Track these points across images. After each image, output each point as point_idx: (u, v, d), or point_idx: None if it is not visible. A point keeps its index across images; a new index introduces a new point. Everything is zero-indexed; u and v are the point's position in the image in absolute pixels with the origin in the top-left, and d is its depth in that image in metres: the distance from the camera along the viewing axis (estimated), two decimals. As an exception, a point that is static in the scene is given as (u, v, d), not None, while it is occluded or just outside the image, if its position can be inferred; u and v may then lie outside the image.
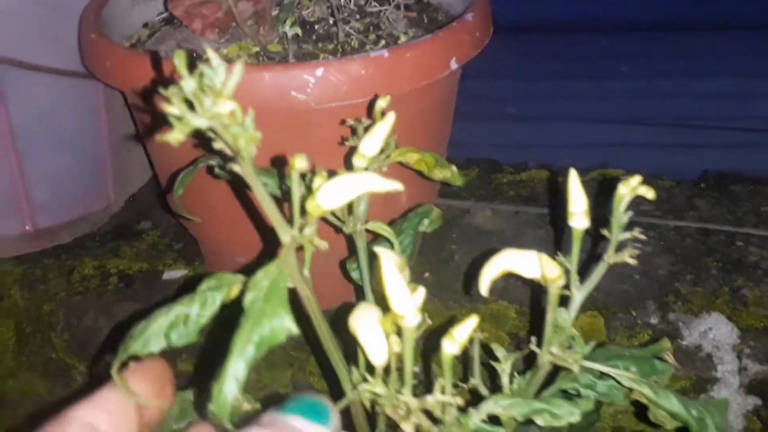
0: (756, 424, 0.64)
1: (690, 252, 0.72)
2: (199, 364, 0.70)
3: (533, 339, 0.41)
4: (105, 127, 0.73)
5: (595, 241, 0.66)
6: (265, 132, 0.47)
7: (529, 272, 0.38)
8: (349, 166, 0.42)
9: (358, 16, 0.62)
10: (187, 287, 0.39)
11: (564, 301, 0.41)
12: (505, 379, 0.44)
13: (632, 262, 0.39)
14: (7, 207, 0.72)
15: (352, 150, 0.42)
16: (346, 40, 0.59)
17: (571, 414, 0.38)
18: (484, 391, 0.44)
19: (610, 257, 0.40)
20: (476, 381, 0.43)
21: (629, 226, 0.76)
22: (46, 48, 0.66)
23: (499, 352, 0.44)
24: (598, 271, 0.40)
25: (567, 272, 0.41)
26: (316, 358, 0.68)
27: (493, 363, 0.44)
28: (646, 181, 0.87)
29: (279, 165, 0.49)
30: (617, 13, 1.82)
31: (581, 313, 0.66)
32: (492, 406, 0.38)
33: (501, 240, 0.75)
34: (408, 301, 0.32)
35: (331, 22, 0.60)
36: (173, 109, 0.26)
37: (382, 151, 0.46)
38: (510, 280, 0.68)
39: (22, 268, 0.76)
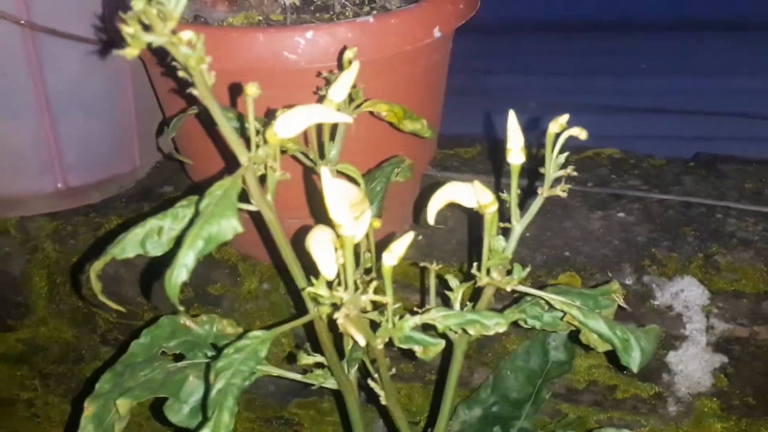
0: (723, 380, 0.66)
1: (670, 222, 0.74)
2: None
3: (475, 265, 0.44)
4: (131, 95, 0.78)
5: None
6: (261, 90, 0.51)
7: (469, 202, 0.41)
8: None
9: (354, -10, 0.65)
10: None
11: (507, 231, 0.44)
12: (456, 306, 0.47)
13: (563, 195, 0.42)
14: (41, 166, 0.77)
15: (322, 99, 0.46)
16: (341, 11, 0.63)
17: (499, 324, 0.41)
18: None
19: (544, 191, 0.42)
20: (432, 305, 0.46)
21: (616, 199, 0.79)
22: (78, 19, 0.70)
23: (452, 281, 0.47)
24: (535, 204, 0.43)
25: (509, 208, 0.44)
26: (285, 283, 0.71)
27: (446, 292, 0.47)
28: (636, 161, 0.89)
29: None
30: (639, 12, 1.83)
31: (560, 273, 0.69)
32: (429, 316, 0.41)
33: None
34: (345, 212, 0.35)
35: (329, -6, 0.64)
36: (128, 28, 0.30)
37: (353, 100, 0.50)
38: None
39: (55, 224, 0.81)
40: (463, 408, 0.66)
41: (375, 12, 0.63)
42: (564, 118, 0.41)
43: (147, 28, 0.31)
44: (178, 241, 0.34)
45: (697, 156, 0.88)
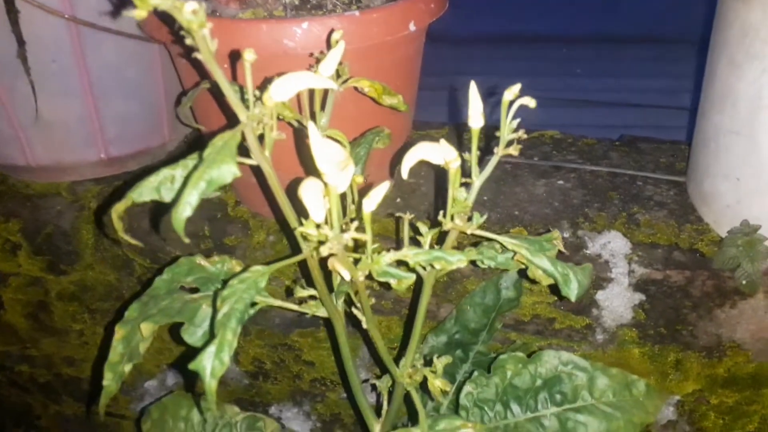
0: (641, 315, 0.64)
1: (600, 188, 0.72)
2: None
3: (441, 213, 0.42)
4: (161, 80, 0.75)
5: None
6: (264, 72, 0.49)
7: (437, 159, 0.39)
8: None
9: (344, -8, 0.62)
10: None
11: (467, 185, 0.42)
12: (426, 248, 0.44)
13: (515, 153, 0.40)
14: (86, 139, 0.73)
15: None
16: (333, 9, 0.59)
17: (460, 260, 0.39)
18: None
19: (499, 150, 0.40)
20: (406, 250, 0.44)
21: (557, 170, 0.76)
22: (116, 13, 0.67)
23: (422, 228, 0.45)
24: (492, 161, 0.41)
25: (470, 166, 0.42)
26: (284, 232, 0.69)
27: (417, 237, 0.45)
28: (573, 140, 0.87)
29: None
30: (576, 29, 1.81)
31: (510, 228, 0.67)
32: (402, 252, 0.39)
33: (457, 177, 0.76)
34: (330, 163, 0.33)
35: (323, -5, 0.61)
36: None
37: (339, 76, 0.47)
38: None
39: (99, 187, 0.78)
40: (432, 336, 0.64)
41: (359, 9, 0.60)
42: (516, 87, 0.38)
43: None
44: (184, 183, 0.32)
45: (622, 137, 0.86)
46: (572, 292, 0.43)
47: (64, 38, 0.66)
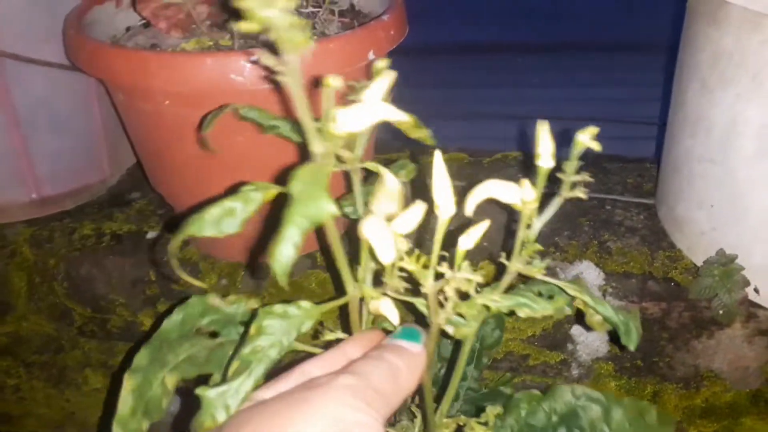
0: (616, 348, 0.62)
1: (568, 213, 0.69)
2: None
3: (503, 254, 0.39)
4: (98, 111, 0.69)
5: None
6: (207, 109, 0.43)
7: (509, 198, 0.36)
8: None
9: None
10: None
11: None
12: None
13: (584, 197, 0.38)
14: (15, 179, 0.67)
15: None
16: (284, 37, 0.55)
17: (545, 309, 0.36)
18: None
19: (564, 193, 0.38)
20: (491, 293, 0.40)
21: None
22: (41, 44, 0.61)
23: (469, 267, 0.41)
24: (555, 203, 0.38)
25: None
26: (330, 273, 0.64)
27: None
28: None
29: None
30: (530, 36, 1.81)
31: (480, 261, 0.63)
32: (489, 296, 0.35)
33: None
34: (447, 196, 0.31)
35: (273, 22, 0.56)
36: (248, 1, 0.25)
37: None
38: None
39: (32, 229, 0.71)
40: None
41: (315, 38, 0.56)
42: (594, 130, 0.36)
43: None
44: (245, 223, 0.31)
45: (586, 155, 0.84)
46: (633, 341, 0.41)
47: (-16, 70, 0.60)
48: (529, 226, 0.37)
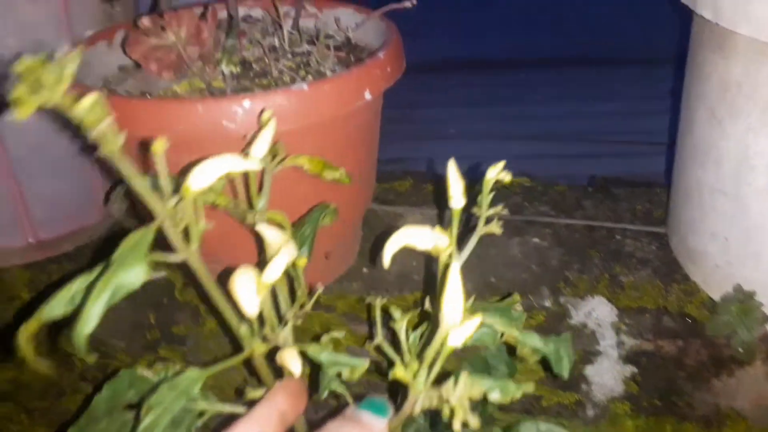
0: (633, 387, 0.59)
1: (578, 245, 0.67)
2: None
3: (426, 300, 0.37)
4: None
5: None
6: (206, 154, 0.42)
7: (423, 245, 0.34)
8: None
9: (290, 56, 0.56)
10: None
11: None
12: (402, 336, 0.39)
13: (498, 231, 0.36)
14: (11, 223, 0.65)
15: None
16: (279, 77, 0.53)
17: (516, 392, 0.33)
18: (386, 348, 0.39)
19: (480, 229, 0.37)
20: (379, 339, 0.39)
21: (530, 225, 0.71)
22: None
23: (396, 313, 0.39)
24: (473, 240, 0.37)
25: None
26: (219, 324, 0.63)
27: (391, 324, 0.39)
28: (543, 188, 0.82)
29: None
30: (532, 52, 1.79)
31: (489, 298, 0.61)
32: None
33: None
34: (457, 308, 0.29)
35: (267, 61, 0.55)
36: (17, 91, 0.22)
37: (274, 157, 0.42)
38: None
39: (30, 273, 0.70)
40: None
41: (310, 76, 0.54)
42: (500, 165, 0.37)
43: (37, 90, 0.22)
44: (87, 292, 0.27)
45: (593, 179, 0.82)
46: (565, 369, 0.40)
47: (-25, 118, 0.59)
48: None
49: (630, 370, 0.58)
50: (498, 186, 0.82)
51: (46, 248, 0.69)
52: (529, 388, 0.34)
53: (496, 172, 0.38)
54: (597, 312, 0.59)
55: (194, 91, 0.52)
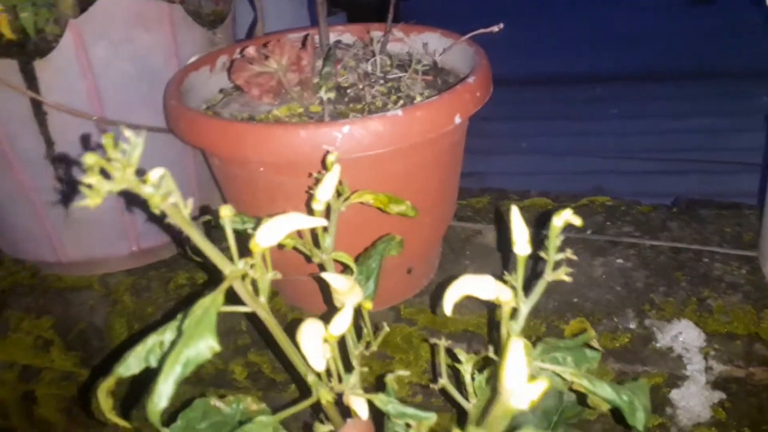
0: (721, 413, 0.58)
1: (663, 267, 0.66)
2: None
3: (491, 347, 0.38)
4: (193, 171, 0.72)
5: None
6: (303, 177, 0.45)
7: (486, 295, 0.35)
8: (309, 211, 0.40)
9: (382, 81, 0.58)
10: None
11: (514, 312, 0.38)
12: (467, 377, 0.40)
13: (568, 279, 0.36)
14: (117, 234, 0.71)
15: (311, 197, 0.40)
16: (372, 101, 0.56)
17: None
18: (450, 388, 0.40)
19: (548, 275, 0.36)
20: (444, 381, 0.40)
21: (613, 245, 0.71)
22: (143, 111, 0.65)
23: (461, 355, 0.41)
24: (540, 286, 0.37)
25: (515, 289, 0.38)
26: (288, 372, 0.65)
27: (457, 365, 0.41)
28: (626, 207, 0.81)
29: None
30: (609, 66, 1.75)
31: (571, 318, 0.61)
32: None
33: (505, 256, 0.71)
34: (521, 382, 0.27)
35: (360, 86, 0.57)
36: (89, 179, 0.24)
37: (340, 194, 0.44)
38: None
39: (132, 278, 0.75)
40: None
41: (401, 101, 0.56)
42: (568, 213, 0.35)
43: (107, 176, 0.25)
44: (159, 368, 0.29)
45: (677, 201, 0.81)
46: (639, 422, 0.39)
47: (93, 136, 0.64)
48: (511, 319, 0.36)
49: (718, 396, 0.57)
50: (578, 204, 0.82)
51: (147, 255, 0.75)
52: None
53: (563, 221, 0.36)
54: (684, 336, 0.58)
55: (293, 116, 0.55)
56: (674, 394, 0.58)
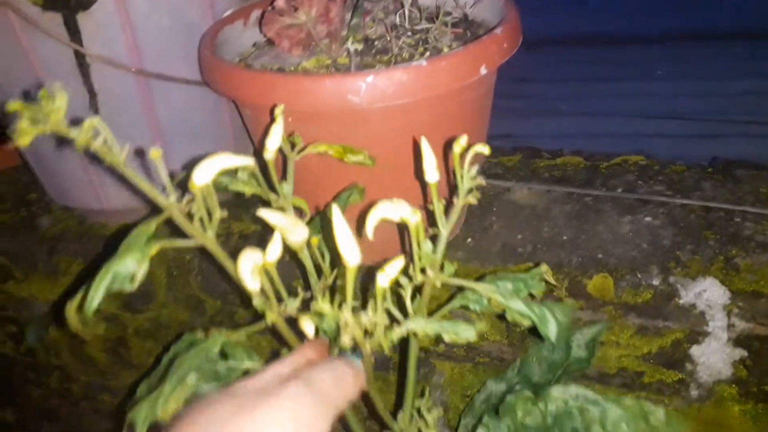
0: (742, 371, 0.59)
1: (692, 226, 0.66)
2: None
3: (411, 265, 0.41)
4: (228, 122, 0.74)
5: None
6: (330, 126, 0.47)
7: (396, 216, 0.38)
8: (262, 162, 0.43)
9: (410, 34, 0.59)
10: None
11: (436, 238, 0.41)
12: (407, 301, 0.42)
13: (474, 201, 0.40)
14: (158, 184, 0.74)
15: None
16: (399, 53, 0.57)
17: (468, 332, 0.37)
18: (394, 311, 0.42)
19: (459, 201, 0.39)
20: (416, 322, 0.42)
21: (643, 204, 0.71)
22: (179, 62, 0.67)
23: (403, 280, 0.42)
24: (454, 212, 0.40)
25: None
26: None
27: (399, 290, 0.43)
28: (660, 167, 0.80)
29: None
30: (654, 26, 1.70)
31: (594, 274, 0.62)
32: (413, 326, 0.37)
33: (533, 213, 0.71)
34: (351, 246, 0.34)
35: (388, 38, 0.58)
36: (18, 124, 0.29)
37: (294, 146, 0.46)
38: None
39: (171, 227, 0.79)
40: (492, 382, 0.60)
41: (428, 53, 0.57)
42: (464, 140, 0.39)
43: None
44: (92, 279, 0.34)
45: (714, 161, 0.79)
46: (551, 332, 0.41)
47: (133, 88, 0.67)
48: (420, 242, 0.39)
49: (740, 353, 0.57)
50: (611, 163, 0.81)
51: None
52: (481, 326, 0.37)
53: (461, 147, 0.39)
54: (708, 293, 0.58)
55: (321, 67, 0.57)
56: (695, 350, 0.58)
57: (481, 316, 0.64)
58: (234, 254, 0.78)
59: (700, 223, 0.66)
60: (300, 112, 0.52)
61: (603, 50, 1.71)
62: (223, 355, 0.43)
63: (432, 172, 0.39)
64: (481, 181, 0.40)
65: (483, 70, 0.52)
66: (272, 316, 0.38)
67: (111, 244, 0.35)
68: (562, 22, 1.77)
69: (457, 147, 0.39)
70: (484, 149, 0.39)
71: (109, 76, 0.65)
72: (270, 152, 0.43)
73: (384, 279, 0.35)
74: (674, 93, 1.46)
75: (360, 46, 0.55)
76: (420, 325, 0.37)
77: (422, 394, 0.53)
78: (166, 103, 0.69)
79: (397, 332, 0.37)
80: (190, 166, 0.76)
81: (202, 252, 0.75)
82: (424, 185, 0.53)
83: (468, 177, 0.39)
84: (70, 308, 0.37)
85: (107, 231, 0.81)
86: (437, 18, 0.58)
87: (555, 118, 1.59)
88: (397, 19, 0.60)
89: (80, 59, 0.64)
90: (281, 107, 0.44)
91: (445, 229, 0.40)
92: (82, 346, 0.90)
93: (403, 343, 0.49)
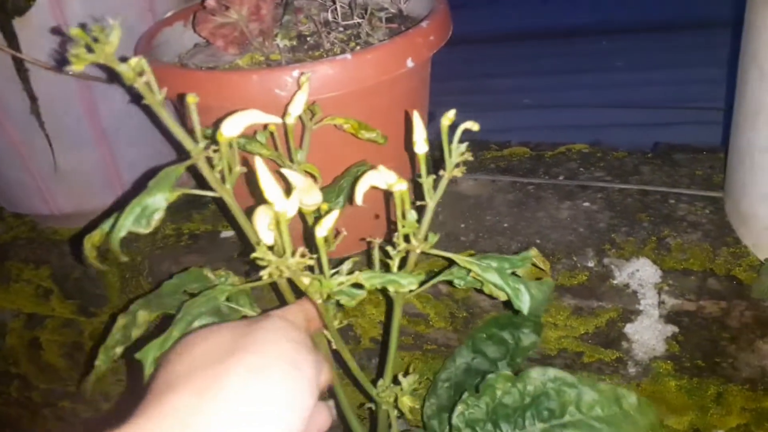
0: (675, 347, 0.61)
1: (628, 209, 0.68)
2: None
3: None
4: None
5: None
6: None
7: (383, 184, 0.40)
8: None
9: (342, 29, 0.61)
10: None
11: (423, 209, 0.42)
12: (394, 270, 0.43)
13: (460, 174, 0.40)
14: (105, 186, 0.75)
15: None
16: (331, 48, 0.58)
17: (411, 283, 0.39)
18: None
19: (447, 174, 0.40)
20: (359, 273, 0.43)
21: (583, 190, 0.73)
22: (120, 66, 0.68)
23: (391, 251, 0.44)
24: (441, 183, 0.41)
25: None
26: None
27: (387, 260, 0.44)
28: (602, 154, 0.83)
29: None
30: (613, 19, 1.74)
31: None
32: (355, 276, 0.39)
33: (477, 203, 0.74)
34: (275, 191, 0.35)
35: (320, 35, 0.59)
36: (74, 50, 0.30)
37: (314, 116, 0.47)
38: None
39: (122, 230, 0.80)
40: (450, 361, 0.62)
41: (359, 48, 0.59)
42: (452, 113, 0.40)
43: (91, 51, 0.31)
44: (122, 210, 0.36)
45: (656, 146, 0.82)
46: (524, 304, 0.43)
47: (73, 91, 0.68)
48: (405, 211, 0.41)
49: (671, 329, 0.59)
50: (556, 152, 0.83)
51: (135, 208, 0.79)
52: (420, 277, 0.39)
53: (449, 119, 0.40)
54: (640, 273, 0.60)
55: (254, 64, 0.58)
56: (629, 329, 0.61)
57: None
58: (186, 253, 0.79)
59: (636, 206, 0.68)
60: (230, 108, 0.53)
61: (563, 44, 1.74)
62: (228, 300, 0.47)
63: (421, 144, 0.40)
64: (469, 156, 0.41)
65: (410, 63, 0.54)
66: (281, 268, 0.39)
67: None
68: (513, 19, 1.80)
69: (446, 120, 0.40)
70: (474, 126, 0.40)
71: (48, 80, 0.66)
72: (291, 116, 0.44)
73: (321, 231, 0.38)
74: (633, 83, 1.50)
75: (293, 43, 0.57)
76: (364, 276, 0.39)
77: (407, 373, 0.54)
78: (108, 104, 0.70)
79: (340, 279, 0.39)
80: (136, 167, 0.77)
81: (152, 255, 0.76)
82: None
83: (456, 151, 0.40)
84: (88, 241, 0.39)
85: (58, 236, 0.82)
86: (368, 13, 0.60)
87: (518, 111, 1.61)
88: (330, 15, 0.61)
89: (18, 65, 0.65)
90: (307, 75, 0.46)
91: (432, 200, 0.41)
92: (40, 353, 0.90)
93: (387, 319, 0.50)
